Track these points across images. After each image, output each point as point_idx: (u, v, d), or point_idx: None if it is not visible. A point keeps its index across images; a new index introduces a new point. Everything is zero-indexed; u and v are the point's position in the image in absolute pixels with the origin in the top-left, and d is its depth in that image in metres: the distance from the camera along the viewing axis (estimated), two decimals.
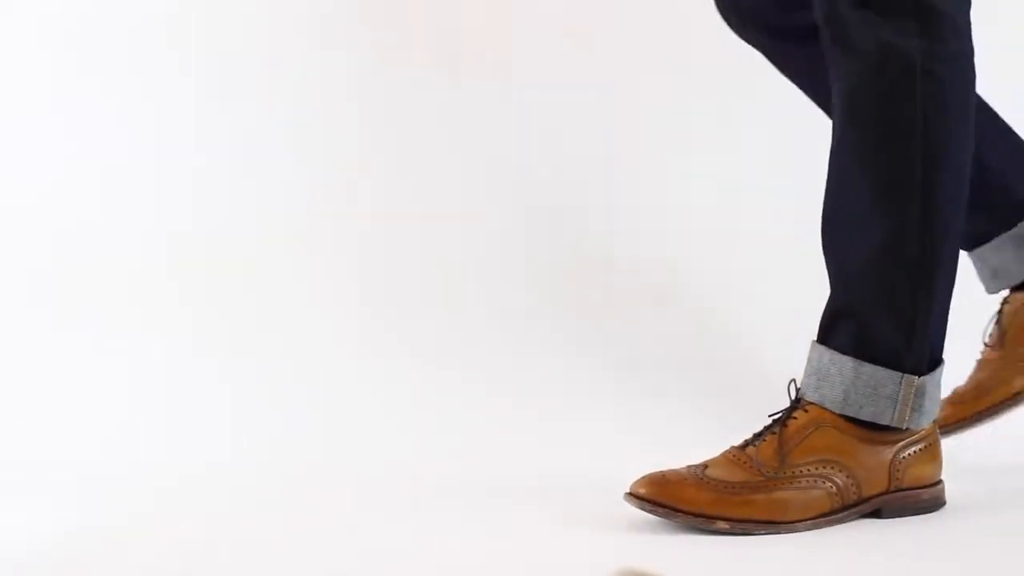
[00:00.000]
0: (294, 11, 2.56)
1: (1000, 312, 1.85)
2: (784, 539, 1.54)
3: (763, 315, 2.36)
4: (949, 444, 1.70)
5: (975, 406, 1.83)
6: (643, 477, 1.57)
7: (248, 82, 2.58)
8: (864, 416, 1.60)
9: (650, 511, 1.55)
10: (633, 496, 1.56)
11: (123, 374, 2.42)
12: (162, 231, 2.57)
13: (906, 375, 1.60)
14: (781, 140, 2.48)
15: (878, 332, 1.61)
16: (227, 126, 2.57)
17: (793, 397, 1.62)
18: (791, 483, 1.57)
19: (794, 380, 1.64)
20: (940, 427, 1.70)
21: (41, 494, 1.86)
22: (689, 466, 1.59)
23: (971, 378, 1.85)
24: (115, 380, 2.41)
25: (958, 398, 1.83)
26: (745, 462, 1.59)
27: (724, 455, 1.60)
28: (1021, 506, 1.71)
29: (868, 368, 1.60)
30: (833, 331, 1.62)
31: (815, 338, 1.64)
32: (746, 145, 2.47)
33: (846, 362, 1.60)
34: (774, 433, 1.60)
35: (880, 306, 1.61)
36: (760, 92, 2.25)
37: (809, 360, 1.63)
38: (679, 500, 1.55)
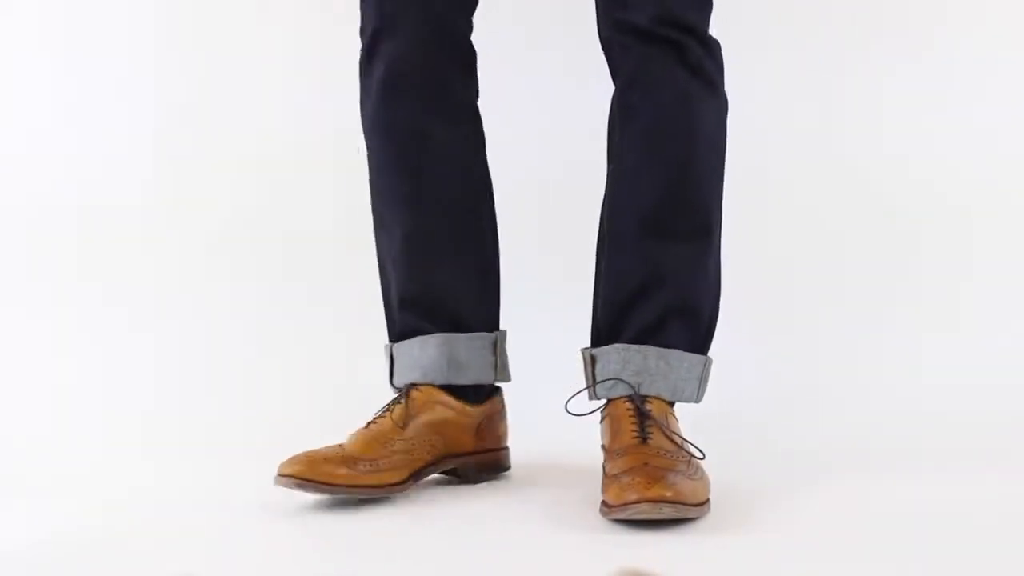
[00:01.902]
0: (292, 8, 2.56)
1: None
2: (785, 540, 1.54)
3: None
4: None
5: None
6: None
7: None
8: (683, 399, 1.78)
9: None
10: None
11: (115, 372, 2.42)
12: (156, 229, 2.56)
13: (708, 357, 1.81)
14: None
15: (703, 325, 1.80)
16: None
17: (625, 394, 1.74)
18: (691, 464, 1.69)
19: (614, 380, 1.75)
20: None
21: (40, 495, 1.86)
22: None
23: None
24: (110, 379, 2.41)
25: None
26: (661, 452, 1.66)
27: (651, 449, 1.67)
28: None
29: (691, 357, 1.78)
30: (663, 330, 1.75)
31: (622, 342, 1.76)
32: None
33: (671, 354, 1.76)
34: (653, 423, 1.70)
35: (705, 304, 1.80)
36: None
37: (628, 361, 1.74)
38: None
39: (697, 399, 1.80)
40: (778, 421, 2.21)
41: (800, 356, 2.40)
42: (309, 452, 1.72)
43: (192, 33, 2.58)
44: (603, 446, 1.74)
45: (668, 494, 1.56)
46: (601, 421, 1.78)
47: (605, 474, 1.67)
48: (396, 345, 1.88)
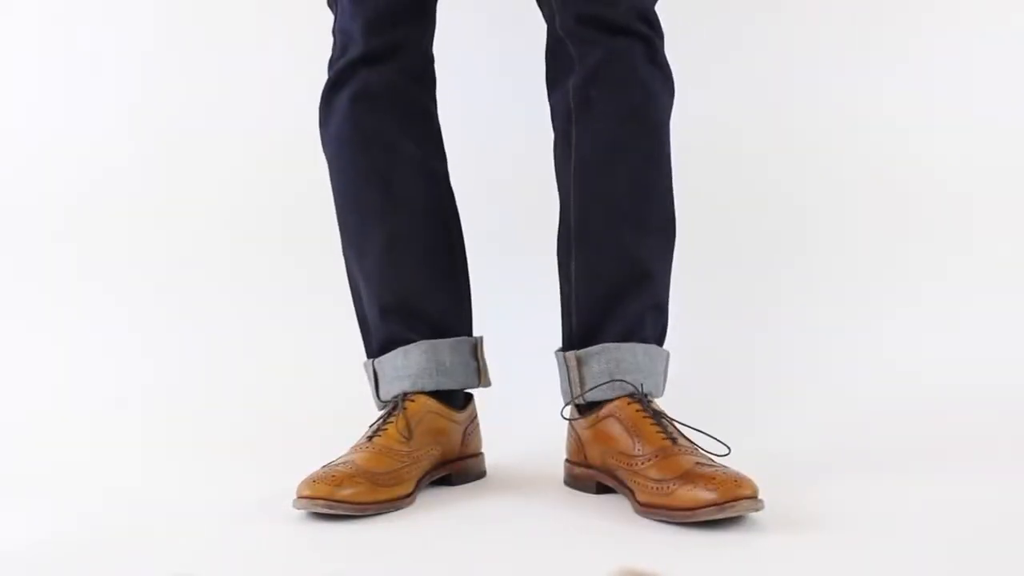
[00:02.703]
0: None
1: None
2: (785, 539, 1.54)
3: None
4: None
5: None
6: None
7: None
8: (660, 394, 1.81)
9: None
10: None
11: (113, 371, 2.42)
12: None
13: (667, 350, 1.82)
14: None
15: (665, 318, 1.82)
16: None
17: (626, 393, 1.74)
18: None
19: (611, 381, 1.74)
20: None
21: (40, 495, 1.86)
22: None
23: None
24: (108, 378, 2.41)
25: None
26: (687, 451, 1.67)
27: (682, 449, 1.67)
28: None
29: (663, 352, 1.81)
30: (643, 326, 1.76)
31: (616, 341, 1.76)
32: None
33: (652, 350, 1.78)
34: (668, 422, 1.71)
35: (668, 296, 1.82)
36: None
37: (621, 360, 1.75)
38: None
39: (663, 393, 1.82)
40: (777, 420, 2.21)
41: (796, 354, 2.40)
42: (326, 472, 1.69)
43: (192, 34, 2.58)
44: (610, 451, 1.73)
45: (749, 491, 1.57)
46: (590, 427, 1.77)
47: (639, 476, 1.66)
48: (378, 360, 1.88)
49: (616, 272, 1.77)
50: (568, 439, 1.83)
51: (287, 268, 2.53)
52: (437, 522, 1.67)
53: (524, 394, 2.11)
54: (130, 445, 2.16)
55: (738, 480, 1.57)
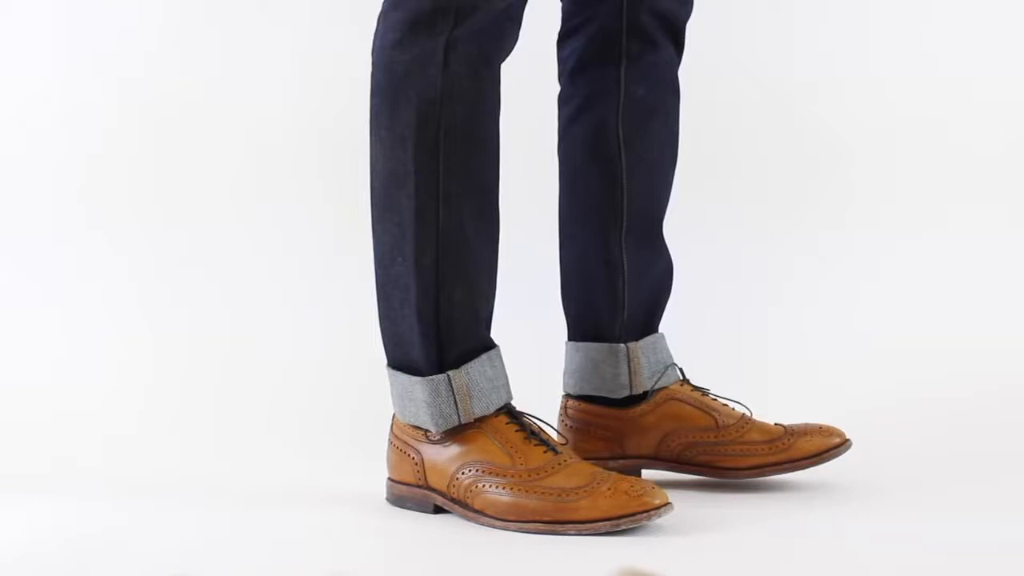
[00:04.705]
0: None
1: None
2: (786, 541, 1.54)
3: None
4: None
5: None
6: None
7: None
8: None
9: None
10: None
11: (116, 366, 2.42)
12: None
13: None
14: None
15: None
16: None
17: (679, 379, 1.84)
18: None
19: (668, 366, 1.83)
20: None
21: (40, 495, 1.86)
22: None
23: None
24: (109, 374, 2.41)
25: None
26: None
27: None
28: None
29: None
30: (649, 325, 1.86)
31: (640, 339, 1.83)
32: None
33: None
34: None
35: None
36: None
37: (663, 350, 1.84)
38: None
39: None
40: (776, 418, 2.21)
41: (792, 351, 2.41)
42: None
43: (193, 30, 2.58)
44: (685, 429, 1.79)
45: (842, 436, 1.77)
46: (651, 412, 1.80)
47: (738, 444, 1.77)
48: (467, 370, 1.62)
49: (659, 271, 1.85)
50: (572, 436, 1.83)
51: (300, 261, 2.52)
52: (436, 522, 1.66)
53: (524, 394, 2.11)
54: (130, 445, 2.16)
55: (829, 428, 1.77)
